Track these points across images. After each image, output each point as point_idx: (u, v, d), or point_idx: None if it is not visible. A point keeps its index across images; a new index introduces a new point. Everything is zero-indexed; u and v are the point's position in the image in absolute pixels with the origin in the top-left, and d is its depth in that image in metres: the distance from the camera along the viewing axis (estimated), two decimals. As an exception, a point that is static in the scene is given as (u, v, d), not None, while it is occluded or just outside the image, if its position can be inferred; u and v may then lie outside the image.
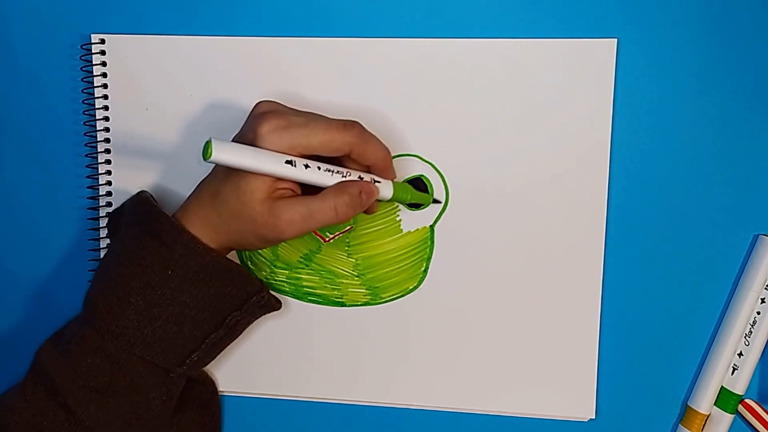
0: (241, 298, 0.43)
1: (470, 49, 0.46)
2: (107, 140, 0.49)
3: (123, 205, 0.46)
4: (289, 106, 0.43)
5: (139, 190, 0.47)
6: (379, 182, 0.43)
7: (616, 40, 0.44)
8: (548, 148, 0.46)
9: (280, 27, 0.47)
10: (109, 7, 0.48)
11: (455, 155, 0.47)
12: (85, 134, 0.49)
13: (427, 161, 0.47)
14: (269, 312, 0.46)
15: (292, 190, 0.42)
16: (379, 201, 0.44)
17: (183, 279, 0.41)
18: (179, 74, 0.48)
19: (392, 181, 0.44)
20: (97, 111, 0.49)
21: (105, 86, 0.49)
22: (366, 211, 0.44)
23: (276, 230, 0.41)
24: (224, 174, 0.42)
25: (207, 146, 0.37)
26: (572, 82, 0.45)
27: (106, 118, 0.49)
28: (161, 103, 0.48)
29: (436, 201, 0.47)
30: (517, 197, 0.46)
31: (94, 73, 0.49)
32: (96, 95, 0.49)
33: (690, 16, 0.44)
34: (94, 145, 0.49)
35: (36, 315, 0.52)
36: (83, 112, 0.49)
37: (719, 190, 0.45)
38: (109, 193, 0.49)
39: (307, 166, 0.40)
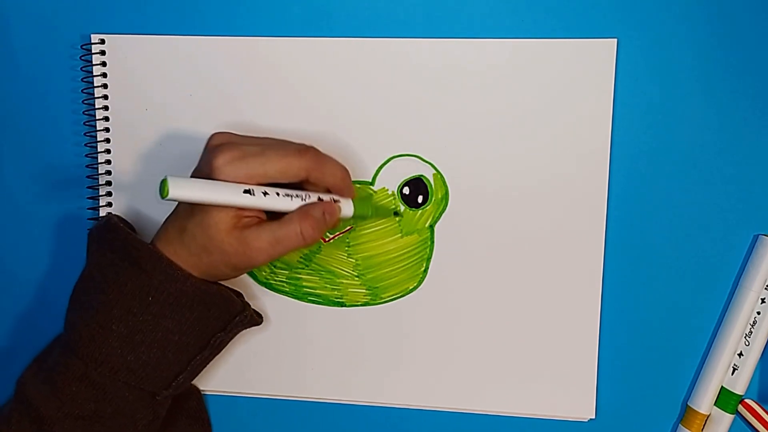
0: (225, 319, 0.43)
1: (470, 49, 0.46)
2: (107, 140, 0.49)
3: (94, 227, 0.45)
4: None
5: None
6: (338, 201, 0.43)
7: (616, 40, 0.44)
8: (548, 148, 0.46)
9: (280, 27, 0.47)
10: (109, 7, 0.48)
11: (455, 155, 0.47)
12: (84, 134, 0.49)
13: (427, 161, 0.47)
14: (251, 327, 0.46)
15: (258, 217, 0.42)
16: (342, 219, 0.44)
17: (164, 305, 0.41)
18: (179, 74, 0.48)
19: (352, 199, 0.44)
20: (97, 111, 0.49)
21: (105, 86, 0.49)
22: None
23: (247, 258, 0.41)
24: (187, 211, 0.41)
25: (163, 184, 0.37)
26: (572, 82, 0.45)
27: (106, 118, 0.49)
28: (161, 103, 0.48)
29: (396, 214, 0.47)
30: (517, 197, 0.46)
31: (94, 73, 0.49)
32: (96, 95, 0.49)
33: (690, 16, 0.44)
34: (94, 144, 0.49)
35: (34, 317, 0.52)
36: (83, 112, 0.49)
37: (719, 190, 0.45)
38: (109, 194, 0.49)
39: (265, 194, 0.40)
